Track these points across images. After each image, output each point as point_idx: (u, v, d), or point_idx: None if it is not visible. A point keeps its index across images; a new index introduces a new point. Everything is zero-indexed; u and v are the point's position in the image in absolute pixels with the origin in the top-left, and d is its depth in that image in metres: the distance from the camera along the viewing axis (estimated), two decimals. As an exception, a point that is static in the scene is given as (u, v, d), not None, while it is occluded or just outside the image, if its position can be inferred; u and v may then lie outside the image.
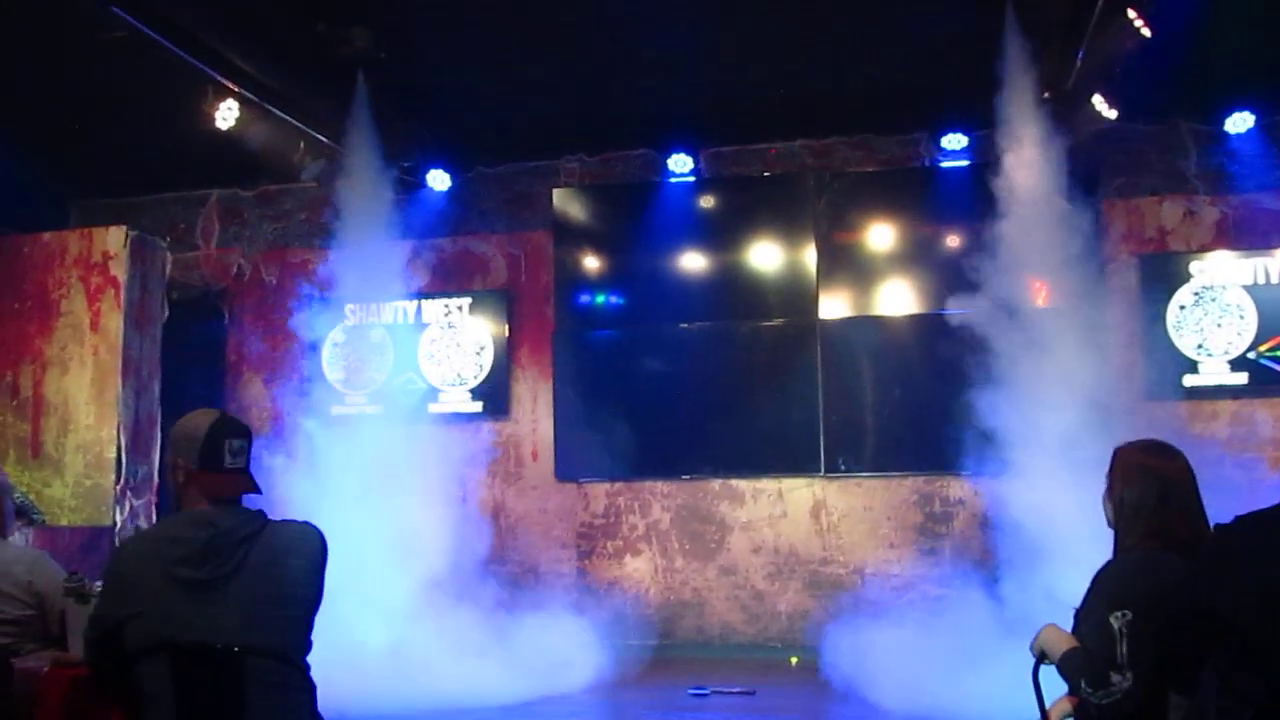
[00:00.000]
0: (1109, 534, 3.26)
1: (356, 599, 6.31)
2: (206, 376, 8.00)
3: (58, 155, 7.84)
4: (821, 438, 7.78)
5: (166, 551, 2.91)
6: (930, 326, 7.74)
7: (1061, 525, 7.40)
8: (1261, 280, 7.35)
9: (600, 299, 8.41)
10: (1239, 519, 2.18)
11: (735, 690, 6.64)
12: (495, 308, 8.44)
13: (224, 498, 3.04)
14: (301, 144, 7.50)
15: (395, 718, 5.95)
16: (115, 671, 2.95)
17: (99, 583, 3.33)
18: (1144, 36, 5.90)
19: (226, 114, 6.90)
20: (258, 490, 3.11)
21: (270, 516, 3.10)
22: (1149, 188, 7.66)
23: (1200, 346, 7.36)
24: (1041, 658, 3.11)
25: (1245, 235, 7.52)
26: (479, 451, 8.40)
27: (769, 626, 8.05)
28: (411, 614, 7.14)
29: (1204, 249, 7.54)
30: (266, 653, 2.86)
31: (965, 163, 7.72)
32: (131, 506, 6.85)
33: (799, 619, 7.91)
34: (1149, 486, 3.09)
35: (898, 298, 7.87)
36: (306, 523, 3.15)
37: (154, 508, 6.94)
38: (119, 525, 6.67)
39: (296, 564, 3.00)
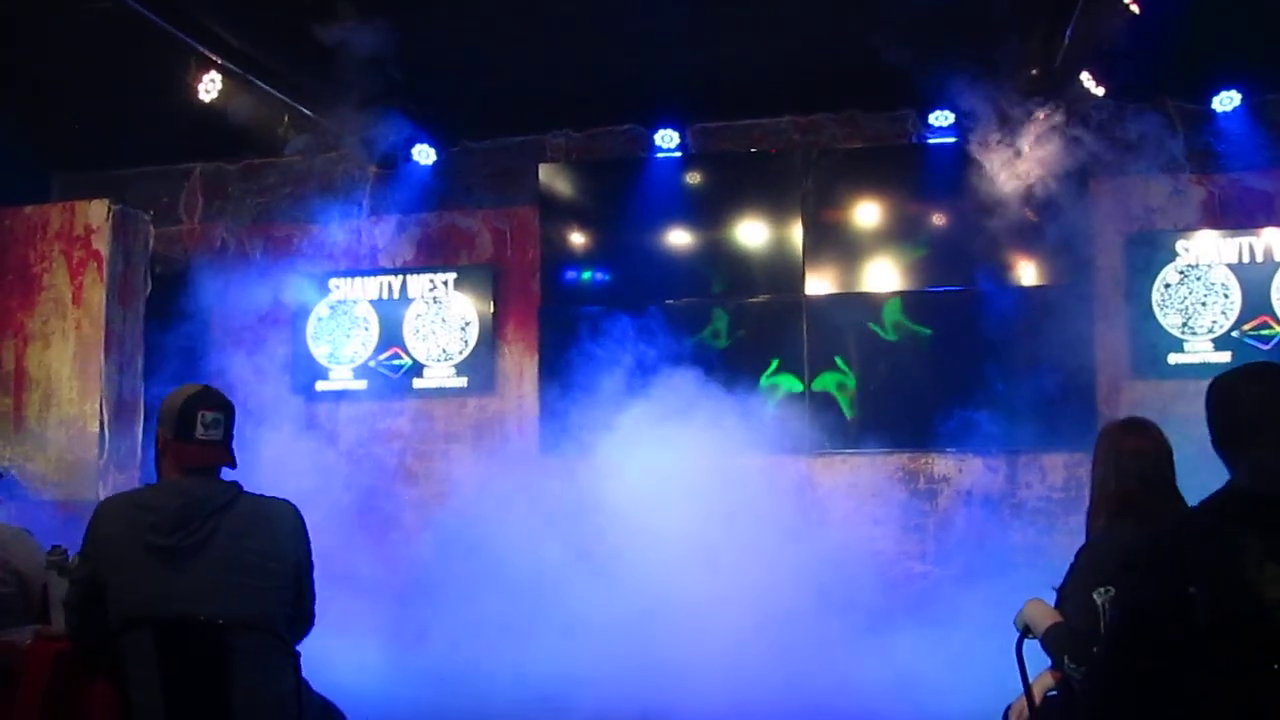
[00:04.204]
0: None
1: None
2: (189, 351, 7.95)
3: (39, 128, 7.77)
4: (807, 415, 7.78)
5: (139, 517, 2.94)
6: (916, 303, 7.74)
7: (1043, 502, 7.45)
8: (1246, 259, 7.36)
9: (586, 275, 8.38)
10: (1173, 520, 2.38)
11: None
12: (481, 283, 8.40)
13: (195, 467, 3.06)
14: (286, 117, 7.45)
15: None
16: (97, 641, 2.96)
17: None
18: (1133, 14, 5.89)
19: (210, 87, 6.85)
20: (232, 463, 3.12)
21: (247, 490, 3.11)
22: (1136, 166, 7.65)
23: (1185, 325, 7.38)
24: (1025, 632, 3.13)
25: (1231, 214, 7.52)
26: (464, 427, 8.39)
27: (753, 603, 8.03)
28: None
29: (1190, 228, 7.54)
30: (245, 623, 2.88)
31: (952, 139, 7.68)
32: (114, 481, 6.84)
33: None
34: (1125, 463, 3.11)
35: (884, 275, 7.85)
36: (283, 499, 3.17)
37: (137, 482, 6.93)
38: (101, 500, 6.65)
39: (269, 536, 3.03)
